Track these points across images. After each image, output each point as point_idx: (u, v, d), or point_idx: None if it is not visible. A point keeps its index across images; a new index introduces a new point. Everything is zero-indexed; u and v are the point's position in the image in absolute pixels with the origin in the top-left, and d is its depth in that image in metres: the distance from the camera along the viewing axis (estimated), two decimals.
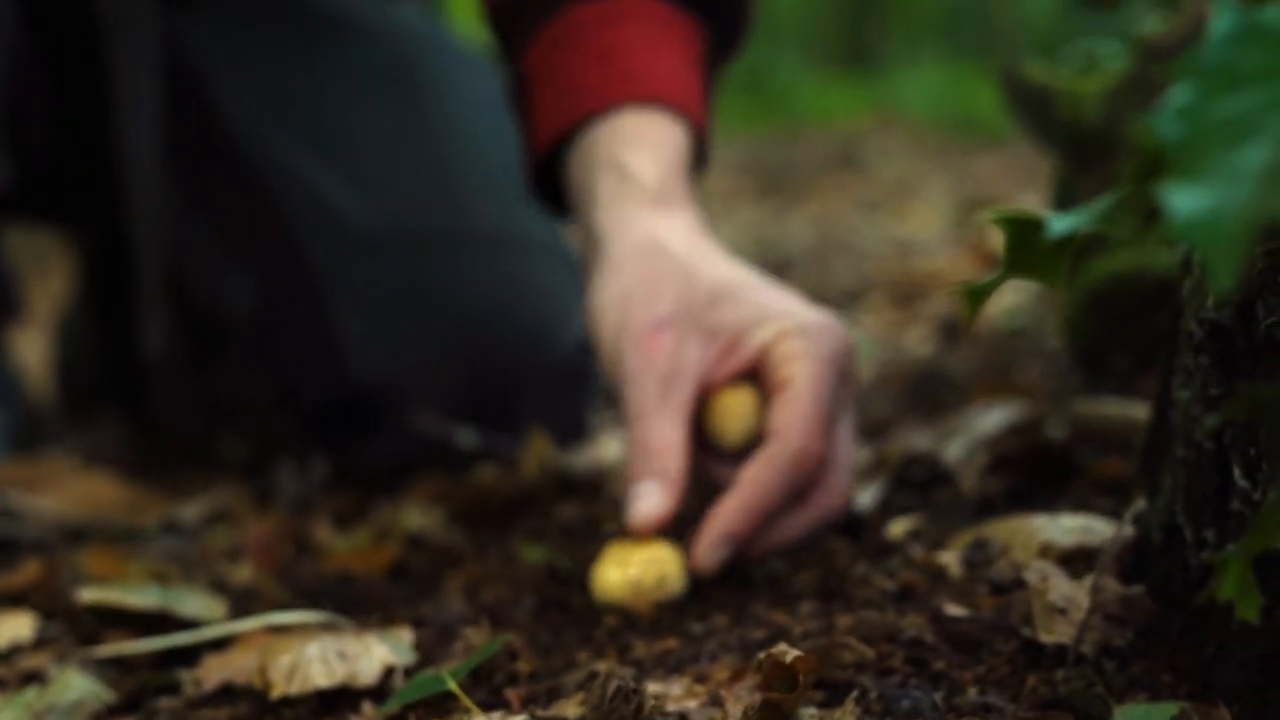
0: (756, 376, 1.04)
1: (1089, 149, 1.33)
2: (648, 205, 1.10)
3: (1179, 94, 0.49)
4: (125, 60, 1.61)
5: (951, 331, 1.95)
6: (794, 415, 0.98)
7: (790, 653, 0.77)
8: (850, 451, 1.04)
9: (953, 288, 0.55)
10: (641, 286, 1.06)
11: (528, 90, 1.24)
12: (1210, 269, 0.45)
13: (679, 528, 1.04)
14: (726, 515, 0.97)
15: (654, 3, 1.22)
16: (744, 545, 0.99)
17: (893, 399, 1.59)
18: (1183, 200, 0.46)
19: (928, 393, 1.59)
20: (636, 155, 1.13)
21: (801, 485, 0.99)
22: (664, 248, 1.07)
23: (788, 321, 1.02)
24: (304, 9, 1.70)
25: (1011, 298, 2.00)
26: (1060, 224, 0.54)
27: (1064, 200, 1.35)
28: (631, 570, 0.97)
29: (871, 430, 1.40)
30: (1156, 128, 0.48)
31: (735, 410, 1.02)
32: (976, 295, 0.55)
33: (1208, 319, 0.76)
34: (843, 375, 1.02)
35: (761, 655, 0.79)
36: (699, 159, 1.21)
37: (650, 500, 0.98)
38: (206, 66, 1.66)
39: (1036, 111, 1.36)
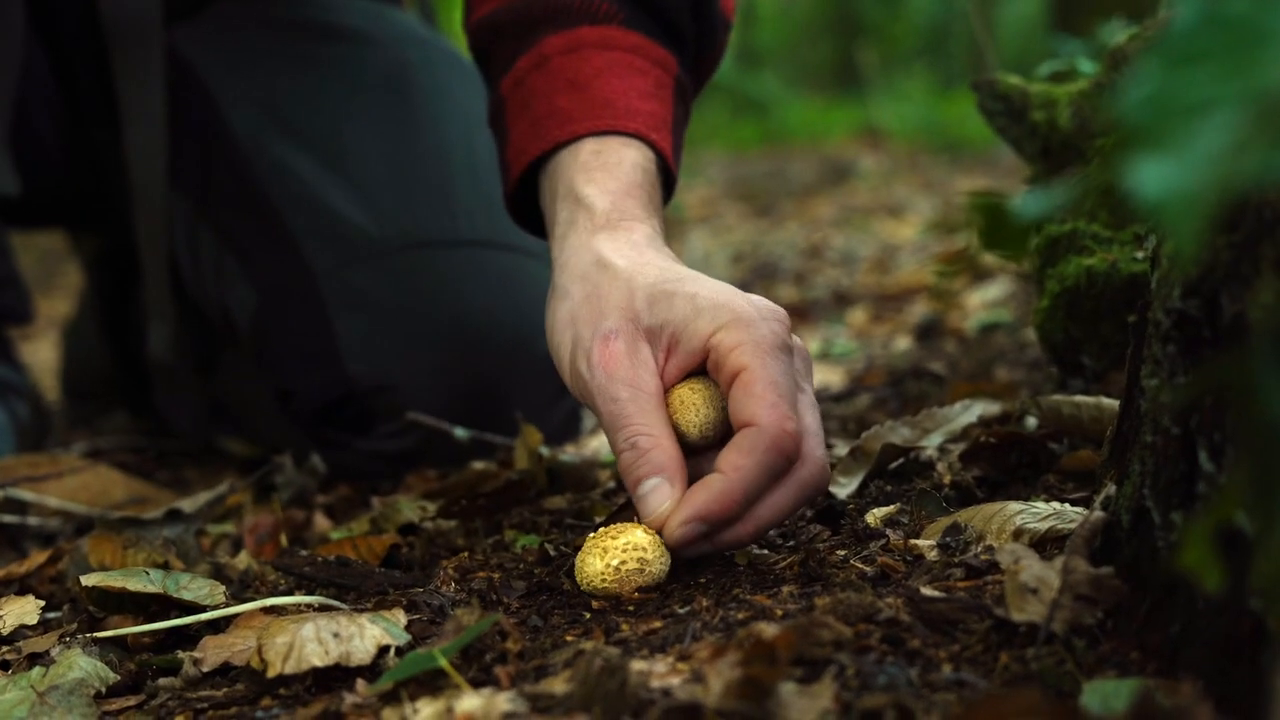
0: (706, 370, 1.05)
1: (1062, 150, 1.35)
2: (596, 229, 1.13)
3: (1145, 75, 0.51)
4: (131, 71, 1.64)
5: (931, 333, 1.98)
6: (759, 402, 0.99)
7: (770, 630, 0.79)
8: (816, 419, 1.05)
9: (931, 265, 0.58)
10: (586, 304, 1.08)
11: (503, 117, 1.28)
12: (1175, 239, 0.47)
13: None
14: (702, 497, 0.99)
15: (624, 31, 1.24)
16: (718, 528, 1.00)
17: (875, 396, 1.61)
18: (1148, 174, 0.48)
19: (909, 390, 1.61)
20: (591, 183, 1.16)
21: (782, 466, 1.00)
22: (607, 265, 1.10)
23: (722, 314, 1.03)
24: (302, 19, 1.72)
25: (991, 299, 2.04)
26: (1028, 205, 0.57)
27: None
28: (612, 558, 0.99)
29: (854, 426, 1.43)
30: (1122, 107, 0.50)
31: (691, 403, 1.04)
32: (949, 271, 0.58)
33: (1174, 309, 0.78)
34: (789, 351, 1.03)
35: (742, 633, 0.80)
36: (667, 178, 1.23)
37: (659, 495, 1.00)
38: (208, 76, 1.68)
39: (1012, 116, 1.38)
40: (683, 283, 1.07)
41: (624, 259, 1.10)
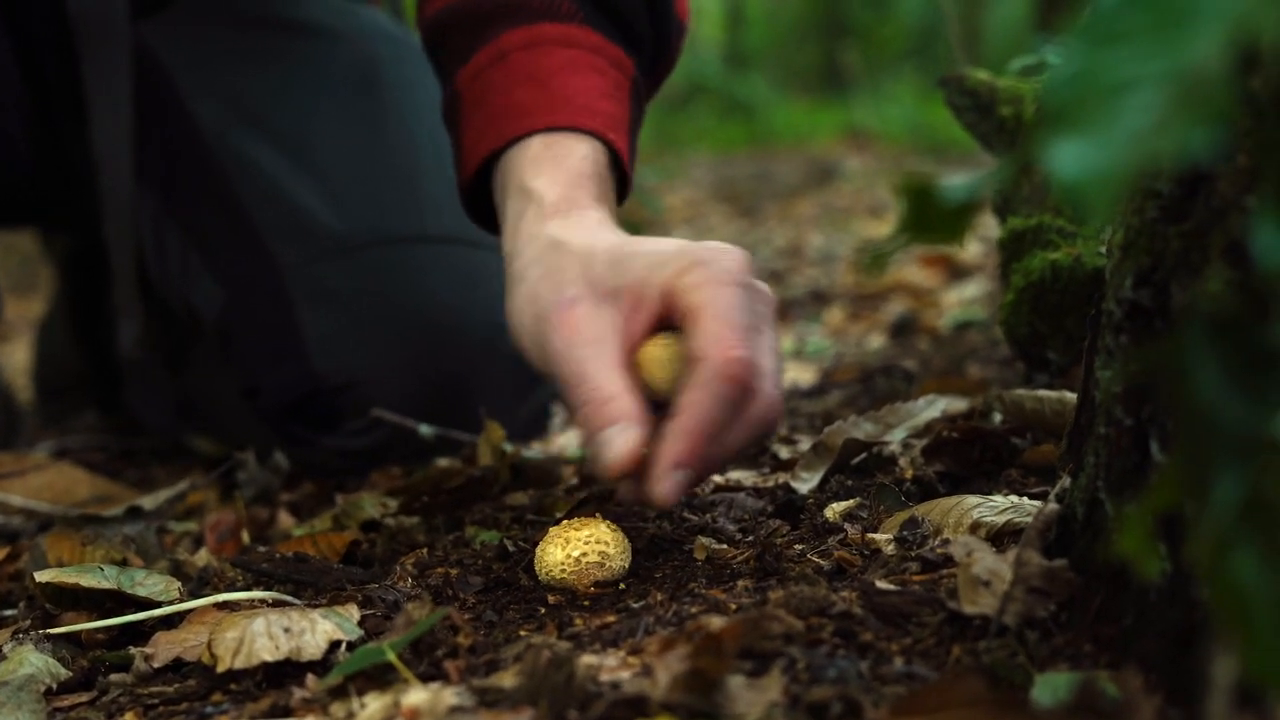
0: (673, 323, 1.04)
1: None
2: (547, 218, 1.12)
3: (1070, 56, 0.50)
4: (98, 66, 1.63)
5: (905, 330, 1.98)
6: (709, 333, 0.98)
7: (717, 622, 0.78)
8: (773, 361, 1.02)
9: (861, 249, 0.57)
10: (546, 280, 1.08)
11: (458, 111, 1.27)
12: (1089, 217, 0.46)
13: (619, 509, 1.06)
14: (670, 443, 0.97)
15: (585, 30, 1.24)
16: (698, 469, 0.98)
17: (845, 393, 1.61)
18: (1066, 154, 0.47)
19: (879, 387, 1.61)
20: (540, 175, 1.16)
21: (738, 395, 0.98)
22: (561, 244, 1.09)
23: (681, 260, 1.02)
24: (271, 14, 1.72)
25: (967, 297, 2.03)
26: (955, 187, 0.56)
27: (1005, 198, 1.37)
28: (574, 548, 0.98)
29: (822, 422, 1.42)
30: (1047, 87, 0.50)
31: (659, 359, 1.02)
32: (878, 256, 0.58)
33: (1126, 299, 0.78)
34: (748, 289, 1.01)
35: (691, 625, 0.80)
36: (622, 175, 1.22)
37: (618, 441, 0.98)
38: (175, 71, 1.67)
39: (980, 111, 1.38)
40: (640, 243, 1.06)
41: (578, 237, 1.09)
